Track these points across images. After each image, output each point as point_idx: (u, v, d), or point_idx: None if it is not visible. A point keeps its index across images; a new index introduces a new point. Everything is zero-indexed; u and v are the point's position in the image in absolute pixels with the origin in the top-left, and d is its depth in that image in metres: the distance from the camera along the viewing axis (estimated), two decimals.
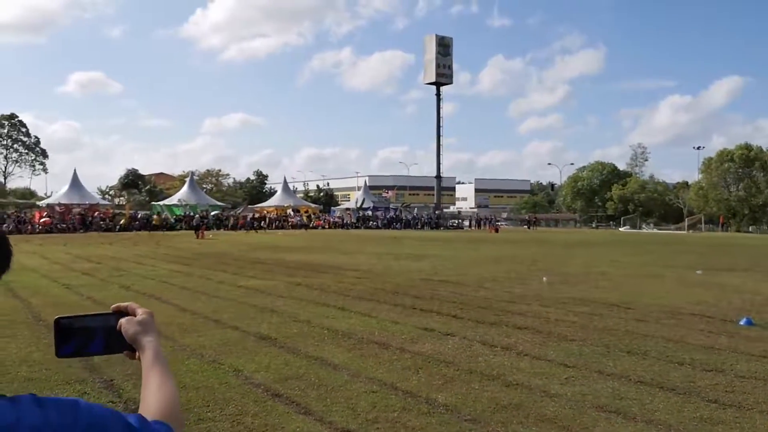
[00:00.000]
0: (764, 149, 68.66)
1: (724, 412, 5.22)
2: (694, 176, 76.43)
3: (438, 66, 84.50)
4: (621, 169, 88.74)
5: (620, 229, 72.32)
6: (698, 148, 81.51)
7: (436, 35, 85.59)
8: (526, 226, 73.40)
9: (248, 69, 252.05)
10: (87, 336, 1.17)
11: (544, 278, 15.06)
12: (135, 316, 1.21)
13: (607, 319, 9.71)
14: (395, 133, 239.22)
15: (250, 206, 71.73)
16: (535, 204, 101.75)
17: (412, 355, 7.19)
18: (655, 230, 69.41)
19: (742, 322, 9.35)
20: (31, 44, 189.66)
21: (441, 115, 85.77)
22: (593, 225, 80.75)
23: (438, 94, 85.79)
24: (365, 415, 5.08)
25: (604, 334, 8.47)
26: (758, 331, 8.86)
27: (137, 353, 1.19)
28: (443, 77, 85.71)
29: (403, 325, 9.08)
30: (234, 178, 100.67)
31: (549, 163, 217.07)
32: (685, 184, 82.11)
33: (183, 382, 5.90)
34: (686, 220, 69.26)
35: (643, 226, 74.99)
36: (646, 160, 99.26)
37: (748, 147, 69.20)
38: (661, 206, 77.71)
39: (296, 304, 11.05)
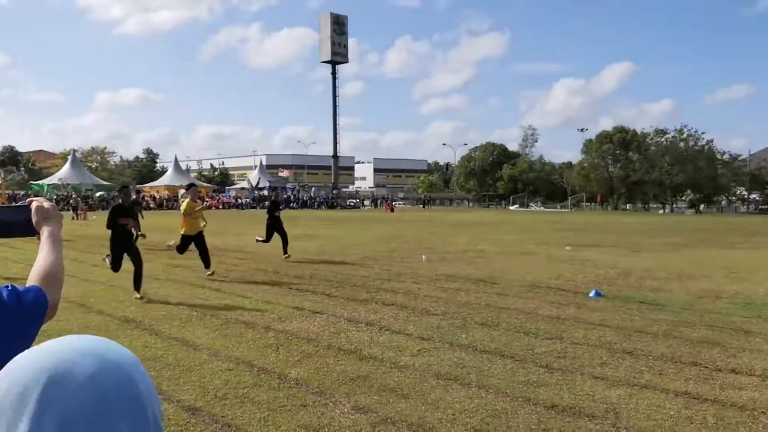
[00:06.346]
0: (639, 132, 73.53)
1: (551, 376, 5.74)
2: (578, 157, 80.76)
3: (333, 44, 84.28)
4: (512, 150, 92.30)
5: (510, 207, 75.38)
6: (582, 130, 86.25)
7: (331, 13, 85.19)
8: (421, 206, 75.10)
9: (150, 42, 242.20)
10: (11, 223, 1.53)
11: (424, 257, 15.60)
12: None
13: (471, 294, 10.27)
14: (301, 112, 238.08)
15: (138, 186, 69.08)
16: (432, 184, 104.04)
17: (275, 333, 7.37)
18: (542, 209, 72.87)
19: (591, 294, 10.17)
20: None
21: (337, 94, 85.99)
22: (485, 204, 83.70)
23: (334, 73, 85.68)
24: (215, 392, 5.22)
25: (465, 308, 8.98)
26: (603, 301, 9.67)
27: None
28: (338, 56, 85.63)
29: (276, 304, 9.23)
30: (121, 157, 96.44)
31: (444, 144, 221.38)
32: (569, 165, 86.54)
33: None
34: (569, 198, 73.20)
35: (531, 204, 78.52)
36: (536, 141, 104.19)
37: (624, 129, 73.99)
38: (547, 185, 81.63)
39: (171, 286, 10.95)
